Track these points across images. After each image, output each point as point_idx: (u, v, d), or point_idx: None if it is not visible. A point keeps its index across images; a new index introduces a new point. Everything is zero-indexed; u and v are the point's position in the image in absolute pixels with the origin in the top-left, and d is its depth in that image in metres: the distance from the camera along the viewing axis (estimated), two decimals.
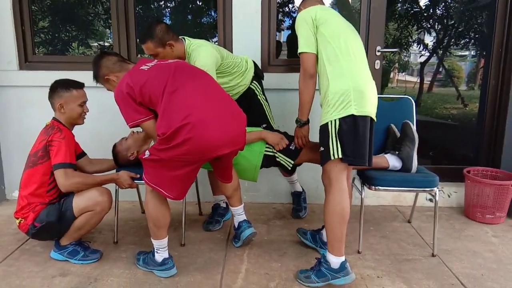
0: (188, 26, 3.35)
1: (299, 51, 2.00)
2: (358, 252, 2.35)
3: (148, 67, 1.97)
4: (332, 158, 1.87)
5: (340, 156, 1.86)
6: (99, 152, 2.66)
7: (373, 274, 2.13)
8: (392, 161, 2.38)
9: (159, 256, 2.10)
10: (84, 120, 2.32)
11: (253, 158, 2.38)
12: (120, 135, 2.51)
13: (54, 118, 2.25)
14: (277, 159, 2.39)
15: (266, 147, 2.40)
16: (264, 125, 2.60)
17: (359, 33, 2.96)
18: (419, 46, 3.87)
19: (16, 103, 3.05)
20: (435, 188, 2.26)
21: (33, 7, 3.07)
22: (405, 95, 2.69)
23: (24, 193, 2.14)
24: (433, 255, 2.33)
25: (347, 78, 1.89)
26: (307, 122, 2.17)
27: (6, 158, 3.14)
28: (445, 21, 3.66)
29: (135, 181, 2.34)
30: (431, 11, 3.68)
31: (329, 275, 1.95)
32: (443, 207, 3.08)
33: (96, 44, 3.41)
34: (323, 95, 1.96)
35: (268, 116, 2.67)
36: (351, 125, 1.86)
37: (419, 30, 3.82)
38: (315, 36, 1.98)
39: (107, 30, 3.32)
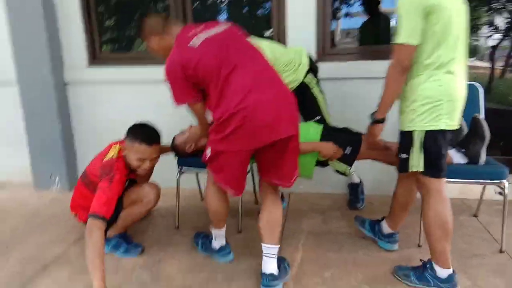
0: (244, 18, 3.39)
1: (398, 40, 1.69)
2: (419, 246, 2.27)
3: (198, 43, 1.81)
4: (410, 170, 1.80)
5: (422, 169, 1.78)
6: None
7: None
8: (457, 158, 2.25)
9: (217, 243, 2.19)
10: (144, 171, 2.24)
11: (307, 160, 2.30)
12: (179, 128, 2.62)
13: (122, 147, 2.23)
14: (332, 166, 2.34)
15: (319, 158, 2.30)
16: (318, 117, 2.56)
17: None
18: (489, 28, 3.62)
19: (86, 98, 3.29)
20: (505, 180, 2.12)
21: (99, 8, 3.27)
22: (474, 81, 2.52)
23: (78, 197, 2.30)
24: (501, 251, 2.19)
25: (444, 84, 1.71)
26: (384, 120, 1.91)
27: (80, 150, 3.40)
28: None
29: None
30: None
31: (432, 282, 1.86)
32: None
33: None
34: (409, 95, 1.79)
35: (322, 110, 2.61)
36: (442, 138, 1.74)
37: (489, 12, 3.58)
38: (421, 24, 1.66)
39: None
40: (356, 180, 2.89)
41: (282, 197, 2.81)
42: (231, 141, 1.76)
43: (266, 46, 2.38)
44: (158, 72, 3.06)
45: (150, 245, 2.38)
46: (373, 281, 1.97)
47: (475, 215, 2.67)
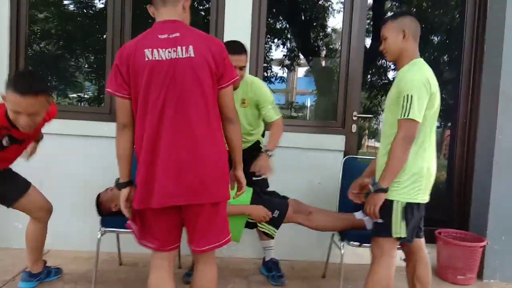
0: None
1: (410, 116, 1.85)
2: None
3: (154, 57, 1.58)
4: (394, 236, 1.96)
5: (404, 236, 1.95)
6: (85, 200, 2.71)
7: None
8: (370, 224, 2.49)
9: None
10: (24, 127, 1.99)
11: (235, 222, 2.37)
12: (108, 184, 2.55)
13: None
14: (260, 228, 2.46)
15: (249, 219, 2.42)
16: (263, 176, 2.58)
17: (337, 100, 3.25)
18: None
19: None
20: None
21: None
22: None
23: None
24: None
25: (425, 162, 1.95)
26: (388, 189, 1.95)
27: None
28: None
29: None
30: None
31: None
32: None
33: (75, 95, 3.55)
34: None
35: None
36: (416, 210, 1.96)
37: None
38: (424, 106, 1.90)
39: (87, 82, 3.47)
40: (274, 256, 2.88)
41: None
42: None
43: None
44: (83, 126, 3.05)
45: None
46: None
47: None
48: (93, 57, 3.15)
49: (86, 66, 3.39)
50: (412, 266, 2.20)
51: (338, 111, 3.24)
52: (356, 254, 3.16)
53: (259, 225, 2.42)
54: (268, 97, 2.60)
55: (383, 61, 4.14)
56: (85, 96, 3.51)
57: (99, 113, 3.16)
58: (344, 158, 2.94)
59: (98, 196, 2.47)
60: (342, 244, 2.47)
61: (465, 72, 3.27)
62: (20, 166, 2.96)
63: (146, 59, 1.57)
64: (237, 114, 1.77)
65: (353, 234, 2.44)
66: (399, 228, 1.94)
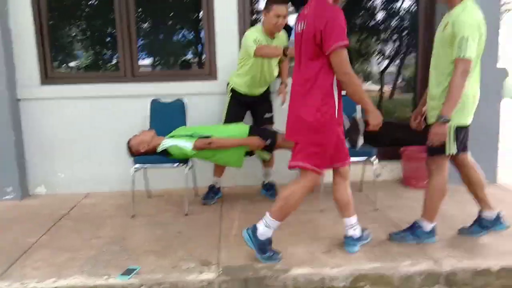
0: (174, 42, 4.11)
1: (466, 56, 2.14)
2: (321, 211, 3.12)
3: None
4: (447, 153, 2.32)
5: (454, 152, 2.31)
6: (113, 149, 3.47)
7: (331, 223, 2.89)
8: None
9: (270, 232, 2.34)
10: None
11: (236, 152, 3.07)
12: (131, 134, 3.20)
13: None
14: (257, 153, 3.13)
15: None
16: (272, 114, 3.43)
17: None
18: (379, 56, 4.52)
19: (38, 113, 3.67)
20: (372, 158, 3.07)
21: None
22: None
23: None
24: (376, 209, 3.13)
25: (471, 90, 2.25)
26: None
27: (29, 162, 3.73)
28: (401, 32, 4.47)
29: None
30: (387, 23, 4.45)
31: (423, 236, 2.50)
32: (388, 180, 3.92)
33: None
34: (441, 92, 2.28)
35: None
36: (464, 131, 2.33)
37: (378, 42, 4.52)
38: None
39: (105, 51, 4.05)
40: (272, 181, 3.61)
41: (219, 188, 3.49)
42: None
43: None
44: (103, 88, 3.64)
45: (112, 229, 2.89)
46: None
47: (360, 190, 3.63)
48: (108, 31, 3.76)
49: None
50: (464, 175, 2.51)
51: None
52: None
53: (256, 152, 3.10)
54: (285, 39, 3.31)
55: (369, 3, 4.47)
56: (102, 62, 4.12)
57: (116, 77, 3.76)
58: None
59: (129, 141, 3.12)
60: None
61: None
62: (56, 124, 3.64)
63: None
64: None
65: None
66: (451, 147, 2.31)
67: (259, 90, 3.37)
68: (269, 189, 3.56)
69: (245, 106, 3.44)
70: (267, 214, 2.31)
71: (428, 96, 2.42)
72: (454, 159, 2.45)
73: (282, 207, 2.28)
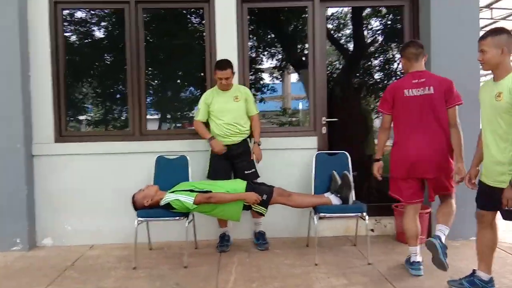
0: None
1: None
2: (315, 265, 3.24)
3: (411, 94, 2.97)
4: None
5: None
6: (117, 204, 3.69)
7: (325, 276, 3.01)
8: (335, 201, 3.37)
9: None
10: None
11: (235, 206, 3.28)
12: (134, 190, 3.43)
13: None
14: (254, 209, 3.33)
15: (245, 203, 3.29)
16: (253, 170, 3.63)
17: (311, 108, 4.12)
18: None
19: (50, 169, 3.92)
20: (364, 213, 3.24)
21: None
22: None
23: None
24: (369, 264, 3.25)
25: None
26: None
27: (39, 215, 3.93)
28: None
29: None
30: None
31: (480, 285, 2.63)
32: (382, 235, 4.04)
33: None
34: (510, 158, 2.40)
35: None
36: None
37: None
38: None
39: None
40: (262, 229, 3.82)
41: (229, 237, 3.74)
42: None
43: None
44: (112, 147, 3.92)
45: (115, 281, 3.02)
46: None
47: (354, 245, 3.75)
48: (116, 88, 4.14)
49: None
50: (484, 233, 2.64)
51: (310, 117, 4.12)
52: (332, 229, 4.04)
53: (253, 206, 3.29)
54: (252, 96, 3.73)
55: (368, 63, 4.90)
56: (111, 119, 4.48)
57: (125, 135, 4.06)
58: (316, 154, 3.82)
59: (133, 196, 3.33)
60: (315, 216, 3.33)
61: None
62: (66, 179, 3.88)
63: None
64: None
65: (321, 208, 3.31)
66: None
67: (229, 140, 3.62)
68: (259, 238, 3.76)
69: (224, 158, 3.63)
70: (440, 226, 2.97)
71: (491, 160, 2.52)
72: (483, 216, 2.62)
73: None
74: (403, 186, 3.03)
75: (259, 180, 3.66)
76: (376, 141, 3.66)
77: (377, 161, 3.19)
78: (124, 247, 3.79)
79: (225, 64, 3.55)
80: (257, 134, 3.71)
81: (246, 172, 3.61)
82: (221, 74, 3.54)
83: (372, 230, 4.05)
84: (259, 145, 3.68)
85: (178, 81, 4.63)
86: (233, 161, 3.66)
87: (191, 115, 4.55)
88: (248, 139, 3.74)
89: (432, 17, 3.82)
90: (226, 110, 3.59)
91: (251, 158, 3.65)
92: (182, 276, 3.07)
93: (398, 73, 4.67)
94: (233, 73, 3.62)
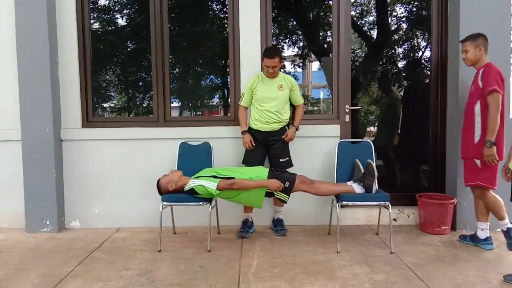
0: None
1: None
2: (337, 252, 3.25)
3: None
4: None
5: None
6: (143, 189, 3.71)
7: (347, 263, 3.02)
8: (358, 189, 3.36)
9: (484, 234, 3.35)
10: None
11: (257, 193, 3.31)
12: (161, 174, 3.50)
13: None
14: (276, 196, 3.35)
15: (267, 190, 3.32)
16: (287, 158, 3.68)
17: (332, 94, 4.09)
18: None
19: (78, 153, 4.04)
20: (388, 202, 3.22)
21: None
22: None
23: None
24: (391, 253, 3.24)
25: None
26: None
27: (67, 198, 4.06)
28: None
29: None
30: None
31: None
32: (405, 225, 4.01)
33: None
34: None
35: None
36: None
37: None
38: None
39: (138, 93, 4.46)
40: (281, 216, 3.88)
41: (252, 222, 3.81)
42: None
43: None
44: (138, 132, 3.98)
45: (141, 262, 3.11)
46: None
47: (377, 234, 3.74)
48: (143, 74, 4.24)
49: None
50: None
51: (333, 105, 4.09)
52: (354, 218, 4.03)
53: (275, 193, 3.31)
54: (297, 85, 3.75)
55: (391, 51, 4.84)
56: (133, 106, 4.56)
57: (150, 121, 4.11)
58: (338, 142, 3.80)
59: (158, 180, 3.40)
60: (337, 204, 3.33)
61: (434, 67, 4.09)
62: (93, 163, 3.98)
63: None
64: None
65: (344, 196, 3.30)
66: None
67: (267, 127, 3.65)
68: (277, 225, 3.81)
69: (260, 144, 3.68)
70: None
71: None
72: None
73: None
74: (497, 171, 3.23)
75: (291, 170, 3.68)
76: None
77: (494, 145, 3.13)
78: (149, 230, 3.90)
79: (274, 53, 3.54)
80: (298, 120, 3.77)
81: (281, 160, 3.64)
82: (269, 62, 3.53)
83: (394, 219, 4.03)
84: (297, 129, 3.74)
85: (199, 68, 4.65)
86: (269, 148, 3.69)
87: (211, 103, 4.59)
88: (286, 127, 3.76)
89: (461, 4, 3.71)
90: (269, 98, 3.62)
91: (283, 136, 3.68)
92: (205, 259, 3.13)
93: (423, 61, 4.56)
94: (280, 61, 3.61)
